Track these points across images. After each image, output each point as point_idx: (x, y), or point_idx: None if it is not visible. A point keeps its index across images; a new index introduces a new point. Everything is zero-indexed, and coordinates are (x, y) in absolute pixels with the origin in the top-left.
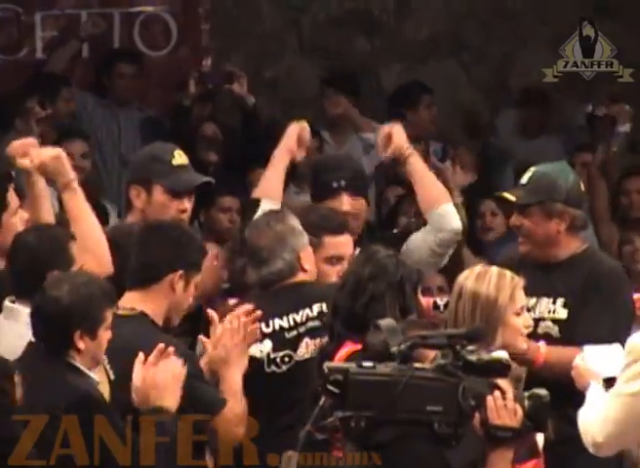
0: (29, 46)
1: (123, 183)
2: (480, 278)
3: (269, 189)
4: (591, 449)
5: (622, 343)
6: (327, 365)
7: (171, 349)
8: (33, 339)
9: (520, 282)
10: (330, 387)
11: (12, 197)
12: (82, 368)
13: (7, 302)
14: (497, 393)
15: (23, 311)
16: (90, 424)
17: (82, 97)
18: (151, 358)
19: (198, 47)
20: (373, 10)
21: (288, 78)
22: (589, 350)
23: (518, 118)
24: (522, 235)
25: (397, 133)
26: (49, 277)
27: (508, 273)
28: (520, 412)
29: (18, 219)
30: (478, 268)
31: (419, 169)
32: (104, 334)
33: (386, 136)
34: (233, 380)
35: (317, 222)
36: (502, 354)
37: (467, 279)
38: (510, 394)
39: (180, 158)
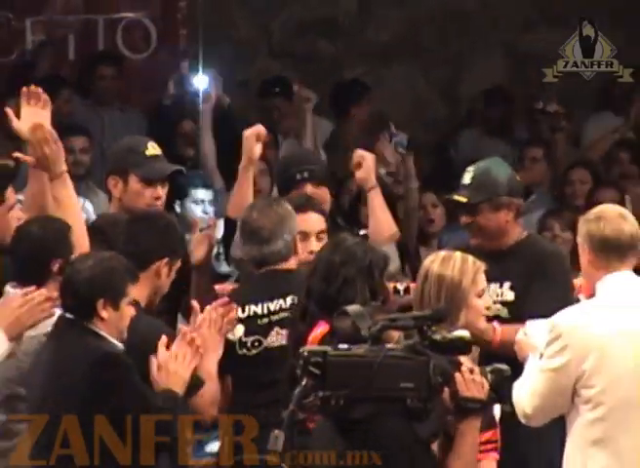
0: (19, 48)
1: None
2: (445, 262)
3: (243, 206)
4: (523, 420)
5: None
6: (306, 348)
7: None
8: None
9: (481, 266)
10: (311, 368)
11: (10, 194)
12: (106, 335)
13: (8, 287)
14: (464, 368)
15: None
16: (112, 382)
17: None
18: (161, 347)
19: (176, 50)
20: (337, 16)
21: (259, 80)
22: (530, 325)
23: (478, 119)
24: (474, 231)
25: (366, 164)
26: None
27: (470, 258)
28: (486, 385)
29: (14, 216)
30: (443, 253)
31: (376, 204)
32: (127, 309)
33: (357, 164)
34: (209, 365)
35: None
36: (464, 333)
37: (433, 263)
38: (477, 369)
39: (153, 149)
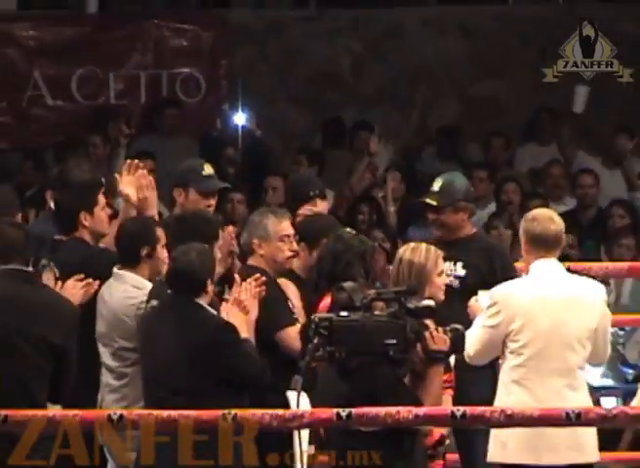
0: (105, 95)
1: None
2: (414, 250)
3: None
4: (467, 360)
5: None
6: (317, 315)
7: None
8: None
9: (440, 253)
10: (320, 330)
11: (101, 197)
12: (209, 308)
13: (115, 269)
14: (432, 327)
15: (127, 275)
16: (231, 342)
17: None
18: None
19: (220, 96)
20: (337, 71)
21: (282, 120)
22: (481, 294)
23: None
24: (437, 226)
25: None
26: (179, 248)
27: (432, 247)
28: (448, 340)
29: (105, 214)
30: (412, 244)
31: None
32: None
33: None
34: (251, 320)
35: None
36: (431, 302)
37: (405, 251)
38: (440, 329)
39: (208, 169)
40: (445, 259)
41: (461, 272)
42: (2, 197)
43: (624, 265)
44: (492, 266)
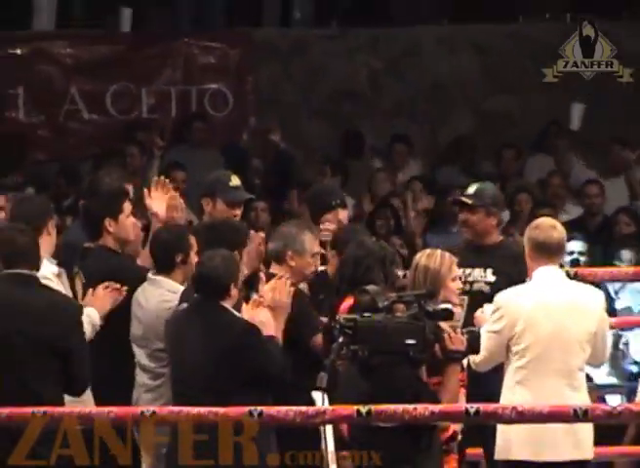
0: (138, 109)
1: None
2: (429, 257)
3: None
4: (473, 366)
5: None
6: (341, 316)
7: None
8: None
9: (454, 259)
10: (345, 330)
11: (127, 204)
12: (233, 310)
13: (150, 275)
14: (449, 329)
15: (162, 280)
16: (257, 343)
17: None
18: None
19: (246, 110)
20: (356, 87)
21: (305, 133)
22: (486, 306)
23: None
24: (467, 226)
25: None
26: (205, 254)
27: (447, 254)
28: (465, 341)
29: (129, 222)
30: (428, 250)
31: None
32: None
33: None
34: (281, 319)
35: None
36: (449, 305)
37: (421, 257)
38: (458, 330)
39: (235, 180)
40: (475, 266)
41: (492, 278)
42: (35, 206)
43: (630, 270)
44: (520, 273)
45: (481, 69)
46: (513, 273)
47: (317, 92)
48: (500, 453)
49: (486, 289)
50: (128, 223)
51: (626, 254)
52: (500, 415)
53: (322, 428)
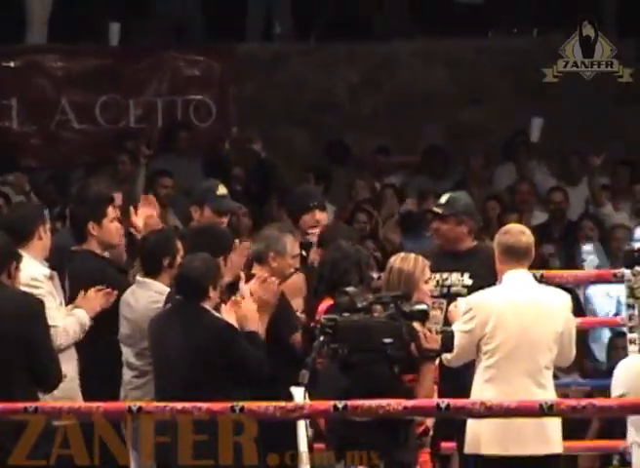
0: (125, 119)
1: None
2: (404, 260)
3: None
4: (445, 362)
5: None
6: (322, 316)
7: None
8: (176, 296)
9: (427, 263)
10: (326, 329)
11: (111, 209)
12: (213, 311)
13: (138, 277)
14: (425, 329)
15: (151, 282)
16: (234, 340)
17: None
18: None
19: (228, 120)
20: (334, 98)
21: (285, 142)
22: (460, 300)
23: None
24: (439, 235)
25: None
26: (186, 257)
27: (420, 258)
28: (439, 340)
29: (113, 226)
30: (402, 254)
31: None
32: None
33: None
34: (264, 316)
35: None
36: (424, 306)
37: (396, 260)
38: (433, 329)
39: (222, 190)
40: (451, 270)
41: (469, 282)
42: (27, 211)
43: (593, 272)
44: (495, 275)
45: (452, 82)
46: (489, 276)
47: (297, 103)
48: (469, 448)
49: (463, 292)
50: (112, 228)
51: (587, 247)
52: (469, 410)
53: (298, 427)
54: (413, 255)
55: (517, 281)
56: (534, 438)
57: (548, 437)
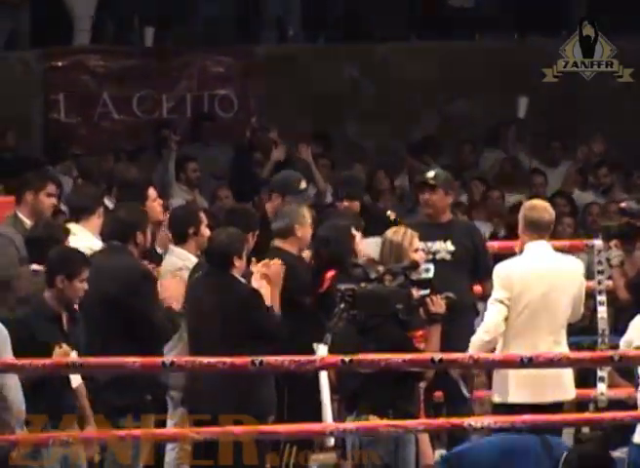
0: (159, 111)
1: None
2: (395, 233)
3: None
4: (481, 343)
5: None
6: (341, 286)
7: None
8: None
9: (416, 234)
10: (346, 297)
11: (152, 191)
12: (239, 277)
13: (171, 246)
14: (432, 295)
15: (175, 249)
16: (261, 306)
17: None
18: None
19: (248, 111)
20: (339, 91)
21: (295, 129)
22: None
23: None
24: (429, 205)
25: None
26: (214, 231)
27: (409, 230)
28: (444, 305)
29: (157, 204)
30: (395, 227)
31: None
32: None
33: None
34: (275, 292)
35: None
36: (430, 275)
37: (388, 233)
38: (439, 295)
39: (303, 184)
40: (435, 239)
41: (452, 248)
42: (90, 193)
43: (566, 243)
44: (473, 241)
45: (444, 77)
46: (467, 243)
47: (307, 95)
48: (498, 397)
49: (448, 257)
50: (156, 206)
51: None
52: (459, 363)
53: (321, 382)
54: (403, 229)
55: (539, 251)
56: (553, 385)
57: (565, 384)
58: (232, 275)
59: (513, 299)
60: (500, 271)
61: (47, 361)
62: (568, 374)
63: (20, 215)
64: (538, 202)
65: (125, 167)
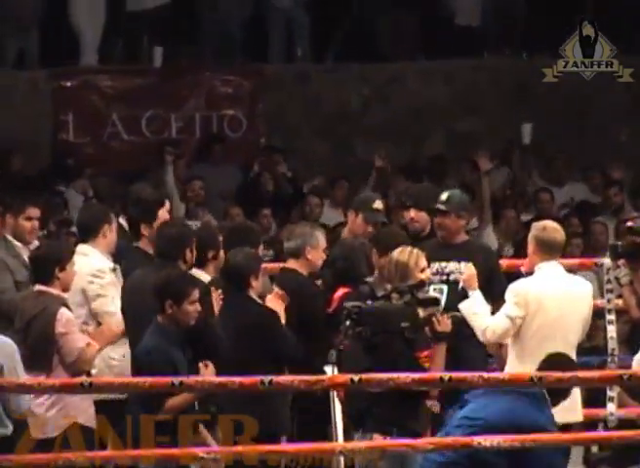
0: (168, 131)
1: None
2: (401, 253)
3: None
4: (484, 336)
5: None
6: (349, 304)
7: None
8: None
9: (422, 253)
10: (353, 315)
11: (162, 212)
12: (257, 298)
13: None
14: (438, 314)
15: (195, 271)
16: (276, 326)
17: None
18: None
19: (257, 132)
20: (349, 110)
21: (306, 150)
22: (471, 266)
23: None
24: (441, 228)
25: None
26: (231, 252)
27: (416, 250)
28: (449, 324)
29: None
30: (401, 247)
31: None
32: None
33: None
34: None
35: None
36: (437, 294)
37: (394, 253)
38: (445, 315)
39: (377, 204)
40: (449, 260)
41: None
42: (93, 212)
43: (575, 261)
44: (487, 263)
45: (451, 96)
46: (481, 264)
47: (316, 115)
48: None
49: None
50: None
51: None
52: (469, 382)
53: (332, 405)
54: (409, 248)
55: (551, 271)
56: (563, 408)
57: (574, 406)
58: (249, 296)
59: (527, 319)
60: (517, 289)
61: (57, 381)
62: (576, 396)
63: (9, 238)
64: (549, 222)
65: (141, 186)
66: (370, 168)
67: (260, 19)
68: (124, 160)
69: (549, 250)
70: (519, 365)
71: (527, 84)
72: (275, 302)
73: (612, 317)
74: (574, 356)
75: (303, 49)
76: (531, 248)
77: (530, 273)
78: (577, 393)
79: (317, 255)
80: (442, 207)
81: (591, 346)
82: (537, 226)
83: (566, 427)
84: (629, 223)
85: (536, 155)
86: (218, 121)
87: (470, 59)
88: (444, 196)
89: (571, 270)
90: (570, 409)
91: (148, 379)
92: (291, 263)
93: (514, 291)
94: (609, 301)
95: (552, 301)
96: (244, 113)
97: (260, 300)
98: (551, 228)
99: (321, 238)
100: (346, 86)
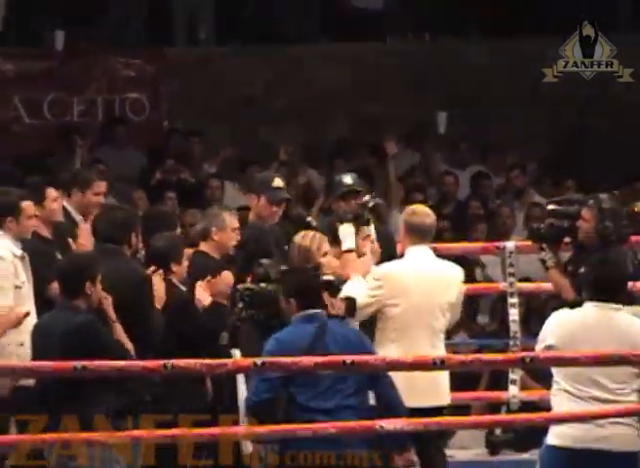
0: (70, 114)
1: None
2: (304, 237)
3: None
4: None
5: None
6: (240, 286)
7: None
8: None
9: (325, 238)
10: (245, 297)
11: (50, 190)
12: (179, 284)
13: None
14: (332, 298)
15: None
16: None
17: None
18: None
19: (160, 115)
20: (252, 94)
21: (208, 133)
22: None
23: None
24: (355, 210)
25: None
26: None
27: (318, 234)
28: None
29: (56, 204)
30: (304, 232)
31: None
32: None
33: None
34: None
35: None
36: (331, 277)
37: (297, 237)
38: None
39: (277, 182)
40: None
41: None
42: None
43: (478, 246)
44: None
45: (354, 80)
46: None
47: (219, 99)
48: None
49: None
50: (54, 206)
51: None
52: (372, 365)
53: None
54: (312, 233)
55: (419, 255)
56: (428, 392)
57: (441, 391)
58: (171, 280)
59: (390, 302)
60: (379, 271)
61: (53, 364)
62: (444, 381)
63: None
64: (419, 207)
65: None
66: (272, 151)
67: (163, 3)
68: (25, 143)
69: (418, 233)
70: (386, 347)
71: (432, 68)
72: (203, 290)
73: (514, 300)
74: (441, 341)
75: (207, 32)
76: (401, 232)
77: (402, 256)
78: (444, 377)
79: (225, 237)
80: (358, 188)
81: (493, 330)
82: (406, 211)
83: (437, 410)
84: (551, 206)
85: (441, 139)
86: (120, 104)
87: (374, 43)
88: (349, 179)
89: (474, 254)
90: (438, 393)
91: (141, 363)
92: (202, 246)
93: (377, 272)
94: (511, 285)
95: (417, 286)
96: (147, 96)
97: (182, 287)
98: (421, 212)
99: (229, 219)
100: (249, 69)
